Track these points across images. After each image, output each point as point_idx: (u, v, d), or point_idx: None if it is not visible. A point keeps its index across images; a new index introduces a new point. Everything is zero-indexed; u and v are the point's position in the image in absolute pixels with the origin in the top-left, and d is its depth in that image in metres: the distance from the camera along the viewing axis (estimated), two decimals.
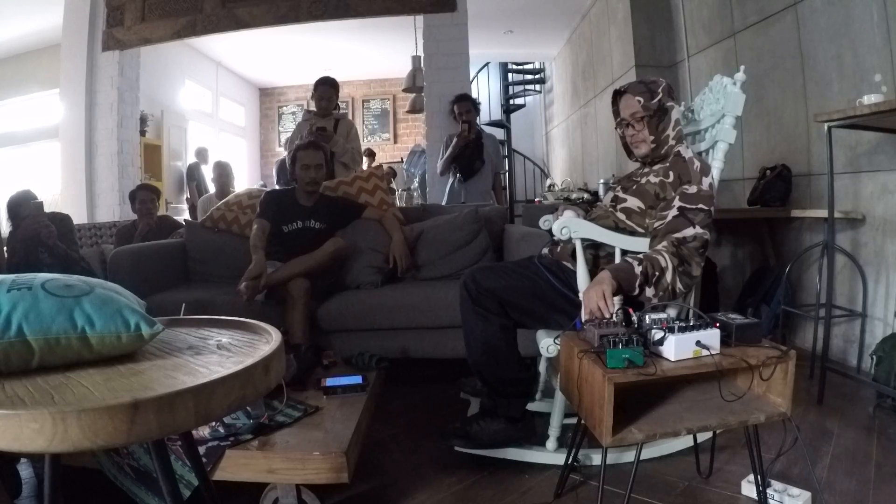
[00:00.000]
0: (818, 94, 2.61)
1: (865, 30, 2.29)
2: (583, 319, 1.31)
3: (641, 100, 1.57)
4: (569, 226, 1.48)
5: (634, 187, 1.61)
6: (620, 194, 1.64)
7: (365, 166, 6.55)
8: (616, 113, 1.67)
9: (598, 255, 1.61)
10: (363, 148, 7.29)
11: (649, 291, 1.38)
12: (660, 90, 1.58)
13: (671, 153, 1.58)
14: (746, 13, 3.12)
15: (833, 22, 2.48)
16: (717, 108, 1.63)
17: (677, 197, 1.48)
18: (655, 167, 1.60)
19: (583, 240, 1.50)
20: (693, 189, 1.47)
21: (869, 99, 1.87)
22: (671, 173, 1.53)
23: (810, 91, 2.67)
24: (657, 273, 1.37)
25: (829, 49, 2.51)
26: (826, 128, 1.98)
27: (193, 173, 5.79)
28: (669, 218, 1.45)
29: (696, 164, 1.52)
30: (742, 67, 1.61)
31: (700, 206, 1.45)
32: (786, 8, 2.78)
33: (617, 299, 1.41)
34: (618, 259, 1.51)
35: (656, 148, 1.59)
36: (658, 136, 1.58)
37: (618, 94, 1.66)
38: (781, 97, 2.87)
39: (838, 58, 2.46)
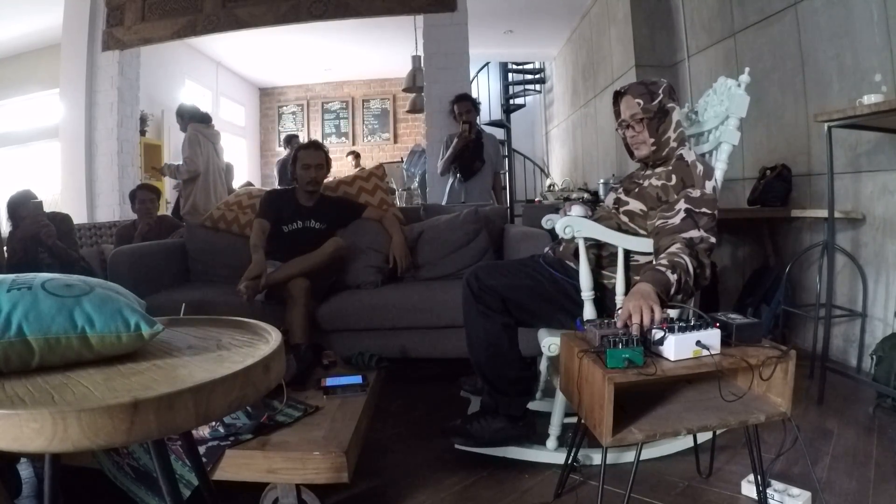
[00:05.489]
0: (818, 94, 2.61)
1: (865, 30, 2.29)
2: (619, 325, 1.23)
3: (641, 102, 1.57)
4: (572, 225, 1.48)
5: (636, 190, 1.61)
6: (623, 196, 1.64)
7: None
8: (617, 114, 1.66)
9: (600, 254, 1.61)
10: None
11: (677, 298, 1.35)
12: (660, 91, 1.57)
13: (673, 155, 1.58)
14: (746, 13, 3.12)
15: (833, 22, 2.48)
16: (721, 110, 1.63)
17: (682, 199, 1.47)
18: (658, 170, 1.60)
19: (585, 239, 1.51)
20: (697, 193, 1.47)
21: (869, 99, 1.87)
22: (674, 177, 1.52)
23: (810, 91, 2.67)
24: (686, 279, 1.34)
25: (829, 49, 2.51)
26: (826, 128, 1.98)
27: None
28: (677, 221, 1.44)
29: (700, 167, 1.51)
30: (747, 70, 1.60)
31: (704, 209, 1.44)
32: (786, 8, 2.78)
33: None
34: (620, 259, 1.51)
35: (657, 150, 1.59)
36: (658, 137, 1.58)
37: (618, 95, 1.66)
38: (781, 97, 2.86)
39: (838, 58, 2.46)
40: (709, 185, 1.49)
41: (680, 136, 1.59)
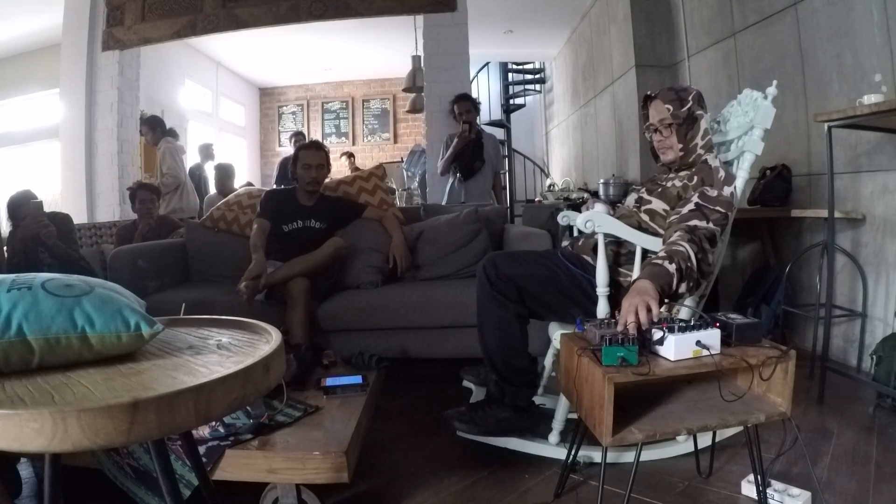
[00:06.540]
0: (818, 94, 2.61)
1: (865, 30, 2.29)
2: (619, 328, 1.22)
3: (671, 107, 1.58)
4: (594, 219, 1.50)
5: (659, 190, 1.63)
6: (645, 196, 1.66)
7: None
8: (645, 117, 1.68)
9: (619, 251, 1.62)
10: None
11: (682, 287, 1.34)
12: (690, 98, 1.59)
13: (699, 161, 1.60)
14: (746, 13, 3.12)
15: (833, 22, 2.48)
16: (745, 121, 1.64)
17: (696, 194, 1.49)
18: (682, 173, 1.62)
19: (605, 236, 1.51)
20: (714, 192, 1.49)
21: (869, 99, 1.88)
22: (695, 177, 1.55)
23: (810, 91, 2.67)
24: (688, 265, 1.34)
25: (829, 49, 2.51)
26: (826, 128, 1.98)
27: (194, 174, 5.71)
28: (685, 211, 1.46)
29: (722, 172, 1.53)
30: (774, 82, 1.62)
31: (717, 208, 1.46)
32: (786, 8, 2.78)
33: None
34: (638, 257, 1.52)
35: (684, 156, 1.61)
36: (686, 143, 1.60)
37: (648, 99, 1.67)
38: (781, 97, 2.82)
39: (838, 58, 2.46)
40: (727, 190, 1.50)
41: (707, 143, 1.62)
